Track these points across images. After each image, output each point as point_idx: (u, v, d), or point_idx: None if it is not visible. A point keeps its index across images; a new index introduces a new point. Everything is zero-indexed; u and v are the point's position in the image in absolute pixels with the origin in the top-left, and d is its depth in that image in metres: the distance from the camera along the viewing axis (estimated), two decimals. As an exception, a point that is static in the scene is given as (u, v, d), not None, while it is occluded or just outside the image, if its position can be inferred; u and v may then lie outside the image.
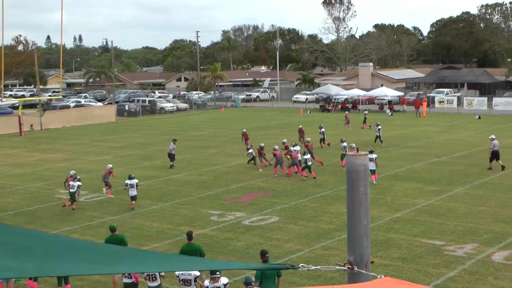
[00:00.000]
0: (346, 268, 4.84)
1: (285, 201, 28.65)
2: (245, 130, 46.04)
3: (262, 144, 38.09)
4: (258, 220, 25.56)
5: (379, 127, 46.12)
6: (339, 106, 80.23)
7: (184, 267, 7.72)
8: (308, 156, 34.10)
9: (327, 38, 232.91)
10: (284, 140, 39.33)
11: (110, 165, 32.39)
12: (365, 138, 48.20)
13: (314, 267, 4.83)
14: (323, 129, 45.78)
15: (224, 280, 14.73)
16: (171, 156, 38.66)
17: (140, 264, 5.47)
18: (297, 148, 35.86)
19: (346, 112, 64.03)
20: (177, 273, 15.84)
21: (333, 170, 35.46)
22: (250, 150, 38.14)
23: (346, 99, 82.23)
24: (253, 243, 22.26)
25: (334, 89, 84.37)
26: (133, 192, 28.32)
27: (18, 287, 17.99)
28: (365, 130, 54.52)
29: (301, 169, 34.23)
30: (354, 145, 34.63)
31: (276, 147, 36.12)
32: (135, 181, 28.53)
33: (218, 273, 14.55)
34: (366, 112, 62.44)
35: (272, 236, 23.02)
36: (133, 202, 28.26)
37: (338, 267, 4.91)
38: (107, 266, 5.05)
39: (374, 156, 31.41)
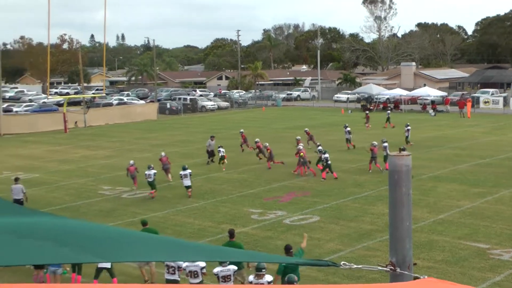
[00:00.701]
0: (389, 269, 4.85)
1: (326, 201, 28.61)
2: (242, 131, 46.01)
3: (266, 144, 38.95)
4: (299, 219, 25.58)
5: (409, 127, 45.77)
6: (381, 106, 79.65)
7: (224, 258, 7.79)
8: (327, 155, 34.12)
9: (369, 37, 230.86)
10: (256, 140, 40.01)
11: (132, 161, 33.19)
12: (393, 138, 47.79)
13: (356, 266, 4.86)
14: (348, 129, 45.00)
15: (268, 277, 14.85)
16: (210, 153, 39.05)
17: (178, 253, 5.54)
18: (300, 146, 35.97)
19: (367, 112, 62.91)
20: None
21: (375, 170, 35.25)
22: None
23: (387, 98, 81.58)
24: (293, 243, 22.24)
25: (376, 89, 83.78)
26: (187, 182, 30.08)
27: (64, 280, 18.32)
28: (392, 130, 53.84)
29: (321, 169, 34.24)
30: (375, 143, 35.79)
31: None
32: (188, 171, 30.26)
33: (263, 270, 14.67)
34: (389, 111, 61.79)
35: (313, 236, 23.00)
36: (189, 190, 30.12)
37: (380, 268, 4.92)
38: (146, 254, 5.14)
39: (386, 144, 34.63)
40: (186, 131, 58.61)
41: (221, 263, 15.62)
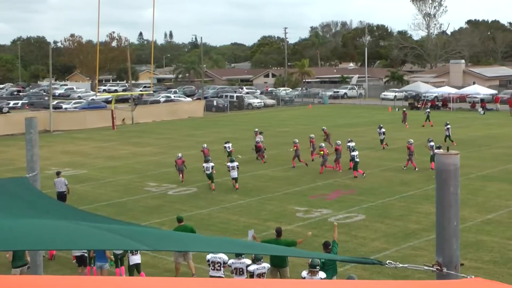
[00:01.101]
0: (435, 269, 4.77)
1: (372, 199, 28.38)
2: (324, 128, 45.86)
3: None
4: (344, 217, 25.43)
5: (448, 126, 45.06)
6: (429, 104, 78.71)
7: (271, 252, 7.82)
8: (356, 152, 34.14)
9: (417, 34, 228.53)
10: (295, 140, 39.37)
11: (180, 154, 34.69)
12: (433, 137, 47.14)
13: (401, 265, 4.79)
14: (383, 129, 44.31)
15: (322, 274, 14.83)
16: (258, 148, 39.70)
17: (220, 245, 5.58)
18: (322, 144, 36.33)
19: (404, 109, 61.60)
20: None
21: (421, 168, 34.84)
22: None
23: (436, 96, 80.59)
24: (339, 241, 22.13)
25: (424, 87, 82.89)
26: (235, 173, 31.31)
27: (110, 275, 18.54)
28: (432, 128, 53.00)
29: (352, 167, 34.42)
30: (412, 140, 36.14)
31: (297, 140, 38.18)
32: (236, 163, 31.53)
33: (317, 267, 14.64)
34: (428, 110, 60.79)
35: (358, 234, 22.85)
36: (236, 184, 31.33)
37: (426, 268, 4.84)
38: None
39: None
40: (232, 129, 58.78)
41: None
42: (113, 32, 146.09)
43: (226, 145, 39.50)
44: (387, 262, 4.67)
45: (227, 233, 23.45)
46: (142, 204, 28.87)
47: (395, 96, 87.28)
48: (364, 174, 33.63)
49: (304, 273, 15.01)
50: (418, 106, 78.40)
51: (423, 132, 50.77)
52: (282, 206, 27.70)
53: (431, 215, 23.70)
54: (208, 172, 31.38)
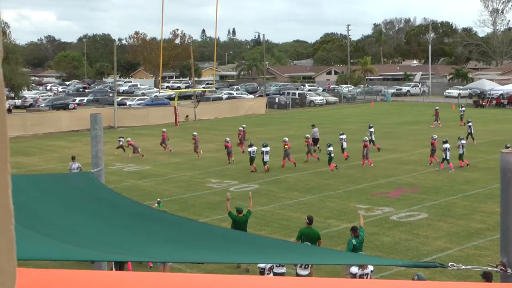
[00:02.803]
0: (499, 270, 4.71)
1: (435, 198, 28.02)
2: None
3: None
4: (406, 216, 25.18)
5: (470, 124, 44.26)
6: (494, 102, 77.12)
7: (326, 261, 7.82)
8: (332, 148, 35.72)
9: (483, 31, 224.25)
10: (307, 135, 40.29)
11: (228, 138, 39.18)
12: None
13: (464, 267, 4.74)
14: (372, 129, 43.24)
15: (370, 266, 15.16)
16: (315, 140, 41.29)
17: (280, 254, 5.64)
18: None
19: (437, 108, 58.90)
20: None
21: (484, 167, 34.21)
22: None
23: (501, 94, 78.91)
24: (400, 239, 21.98)
25: (489, 84, 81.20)
26: (267, 157, 34.76)
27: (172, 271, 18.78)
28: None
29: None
30: (436, 136, 36.93)
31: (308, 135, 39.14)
32: (268, 148, 34.94)
33: None
34: (463, 109, 58.72)
35: (420, 233, 22.60)
36: (267, 166, 34.78)
37: (490, 268, 4.79)
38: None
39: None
40: (294, 126, 58.73)
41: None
42: (177, 29, 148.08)
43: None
44: (449, 264, 4.64)
45: (288, 230, 23.51)
46: (204, 200, 29.14)
47: (459, 93, 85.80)
48: (335, 168, 35.05)
49: (355, 269, 15.04)
50: (483, 104, 76.92)
51: (487, 130, 49.77)
52: (343, 203, 27.60)
53: (495, 215, 23.25)
54: (253, 155, 35.21)
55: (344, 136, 39.48)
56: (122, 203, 7.14)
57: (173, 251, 5.27)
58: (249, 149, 35.65)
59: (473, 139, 43.07)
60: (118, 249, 5.09)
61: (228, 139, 39.40)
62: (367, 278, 15.85)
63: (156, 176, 35.63)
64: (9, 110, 74.27)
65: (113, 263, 19.31)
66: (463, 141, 35.61)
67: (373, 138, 42.46)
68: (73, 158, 32.16)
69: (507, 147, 31.46)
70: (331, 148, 35.46)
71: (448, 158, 34.09)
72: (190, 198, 29.66)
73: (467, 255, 19.86)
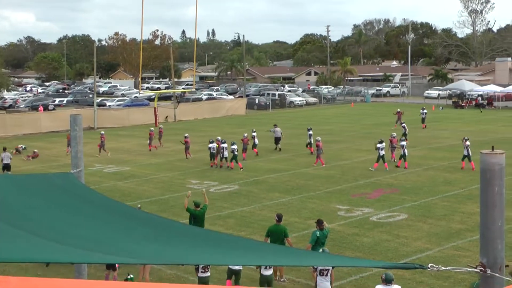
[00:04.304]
0: (478, 270, 4.70)
1: (415, 198, 28.11)
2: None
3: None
4: (386, 216, 25.24)
5: (404, 124, 46.06)
6: (473, 103, 77.66)
7: (310, 263, 7.79)
8: (404, 142, 36.27)
9: (462, 32, 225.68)
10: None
11: (246, 134, 41.38)
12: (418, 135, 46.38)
13: (444, 268, 4.73)
14: (311, 132, 43.21)
15: (396, 286, 14.17)
16: (277, 140, 43.33)
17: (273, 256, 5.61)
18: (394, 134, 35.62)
19: (398, 109, 57.99)
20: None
21: (466, 168, 34.40)
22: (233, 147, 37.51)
23: (480, 95, 79.48)
24: (380, 240, 22.01)
25: (468, 85, 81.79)
26: (226, 153, 37.28)
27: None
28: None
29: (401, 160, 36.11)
30: (395, 134, 38.98)
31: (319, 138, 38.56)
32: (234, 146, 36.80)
33: (393, 281, 14.01)
34: (425, 111, 57.23)
35: (400, 234, 22.66)
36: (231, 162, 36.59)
37: (470, 269, 4.78)
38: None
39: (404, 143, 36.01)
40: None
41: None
42: (157, 30, 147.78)
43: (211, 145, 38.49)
44: (429, 266, 4.62)
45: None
46: (184, 201, 28.96)
47: (439, 94, 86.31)
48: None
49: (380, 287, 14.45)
50: (463, 104, 77.45)
51: (466, 131, 50.10)
52: (323, 204, 27.61)
53: (475, 215, 23.38)
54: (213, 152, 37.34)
55: (311, 132, 42.48)
56: (102, 202, 7.09)
57: (155, 251, 5.21)
58: (209, 145, 37.61)
59: (406, 139, 42.82)
60: (101, 246, 5.05)
61: (187, 134, 42.49)
62: (327, 273, 15.84)
63: (136, 177, 35.46)
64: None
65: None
66: (404, 142, 35.96)
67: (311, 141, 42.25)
68: (4, 149, 36.42)
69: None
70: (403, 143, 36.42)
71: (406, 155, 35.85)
72: (170, 199, 29.54)
73: (446, 256, 19.92)
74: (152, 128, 47.80)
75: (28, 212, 5.99)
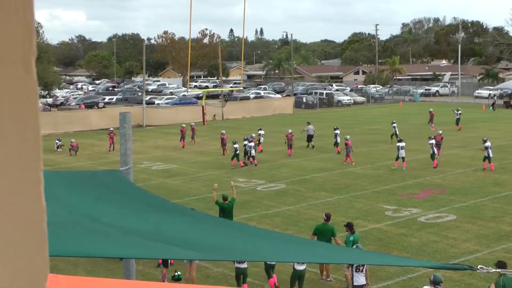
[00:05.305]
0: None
1: (463, 199, 27.77)
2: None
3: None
4: (434, 217, 24.99)
5: (395, 124, 46.21)
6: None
7: (359, 261, 7.81)
8: (433, 140, 36.34)
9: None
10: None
11: (290, 130, 41.72)
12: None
13: (494, 270, 4.69)
14: (337, 131, 42.65)
15: None
16: (309, 137, 43.50)
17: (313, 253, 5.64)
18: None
19: (431, 109, 57.81)
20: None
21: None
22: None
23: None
24: (428, 241, 21.82)
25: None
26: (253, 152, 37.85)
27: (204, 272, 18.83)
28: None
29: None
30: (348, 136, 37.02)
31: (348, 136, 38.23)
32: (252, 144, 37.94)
33: (441, 284, 13.95)
34: (460, 112, 56.28)
35: (449, 235, 22.41)
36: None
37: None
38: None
39: (403, 144, 35.32)
40: (321, 126, 58.45)
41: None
42: (205, 29, 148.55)
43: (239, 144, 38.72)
44: (478, 267, 4.59)
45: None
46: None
47: (490, 94, 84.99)
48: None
49: None
50: (514, 104, 76.12)
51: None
52: (370, 204, 27.47)
53: (526, 217, 23.01)
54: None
55: (338, 131, 42.31)
56: (151, 200, 7.20)
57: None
58: (234, 146, 37.30)
59: (397, 137, 42.20)
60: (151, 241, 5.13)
61: (223, 131, 43.41)
62: (363, 268, 15.98)
63: (183, 174, 35.76)
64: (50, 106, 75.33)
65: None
66: (488, 143, 35.10)
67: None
68: None
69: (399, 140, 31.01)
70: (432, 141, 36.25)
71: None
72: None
73: (496, 258, 19.57)
74: (183, 125, 48.05)
75: (82, 207, 6.12)
